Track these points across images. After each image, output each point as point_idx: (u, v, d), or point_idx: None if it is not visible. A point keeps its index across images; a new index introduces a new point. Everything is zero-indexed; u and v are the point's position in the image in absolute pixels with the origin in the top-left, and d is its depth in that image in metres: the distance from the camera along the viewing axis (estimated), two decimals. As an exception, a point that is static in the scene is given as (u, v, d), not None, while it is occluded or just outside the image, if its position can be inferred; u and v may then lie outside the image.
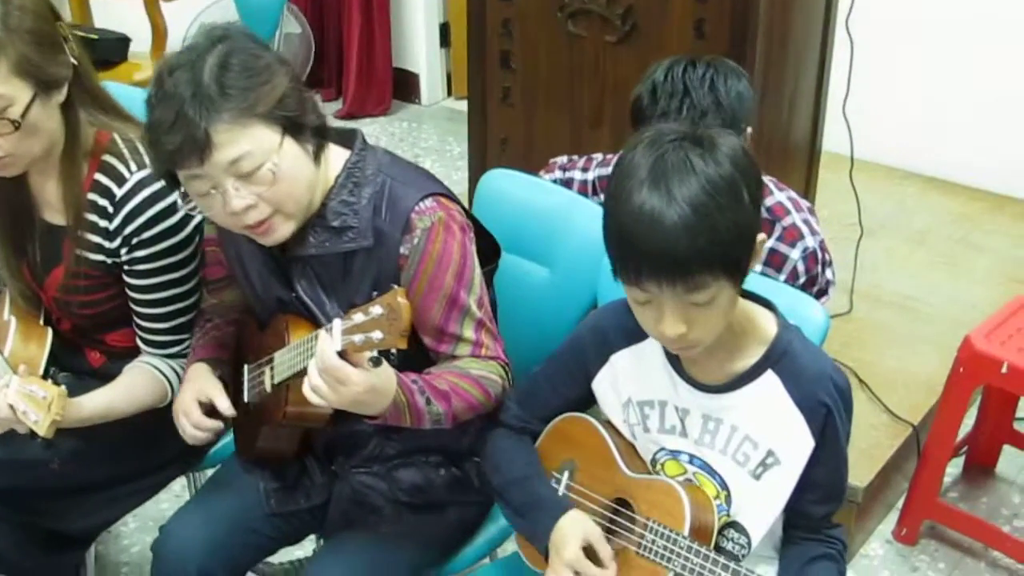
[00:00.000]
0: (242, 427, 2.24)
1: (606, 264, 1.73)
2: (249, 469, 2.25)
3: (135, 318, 2.31)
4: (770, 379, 1.81)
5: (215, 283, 2.28)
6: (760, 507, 1.84)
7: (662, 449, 1.91)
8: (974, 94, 4.39)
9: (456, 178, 4.85)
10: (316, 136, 1.99)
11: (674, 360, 1.86)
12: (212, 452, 2.53)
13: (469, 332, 2.03)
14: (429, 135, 5.56)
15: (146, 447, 2.42)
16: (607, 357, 1.94)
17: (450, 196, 2.07)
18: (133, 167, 2.21)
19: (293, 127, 1.93)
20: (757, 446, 1.82)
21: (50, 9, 2.13)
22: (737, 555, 1.85)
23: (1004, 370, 2.81)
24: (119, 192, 2.20)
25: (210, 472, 2.44)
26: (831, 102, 3.48)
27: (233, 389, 2.17)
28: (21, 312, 2.37)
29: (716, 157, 1.64)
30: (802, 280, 2.57)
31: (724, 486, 1.86)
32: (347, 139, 2.09)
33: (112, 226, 2.21)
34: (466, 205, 2.13)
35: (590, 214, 2.22)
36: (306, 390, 1.82)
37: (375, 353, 1.74)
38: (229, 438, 2.43)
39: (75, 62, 2.15)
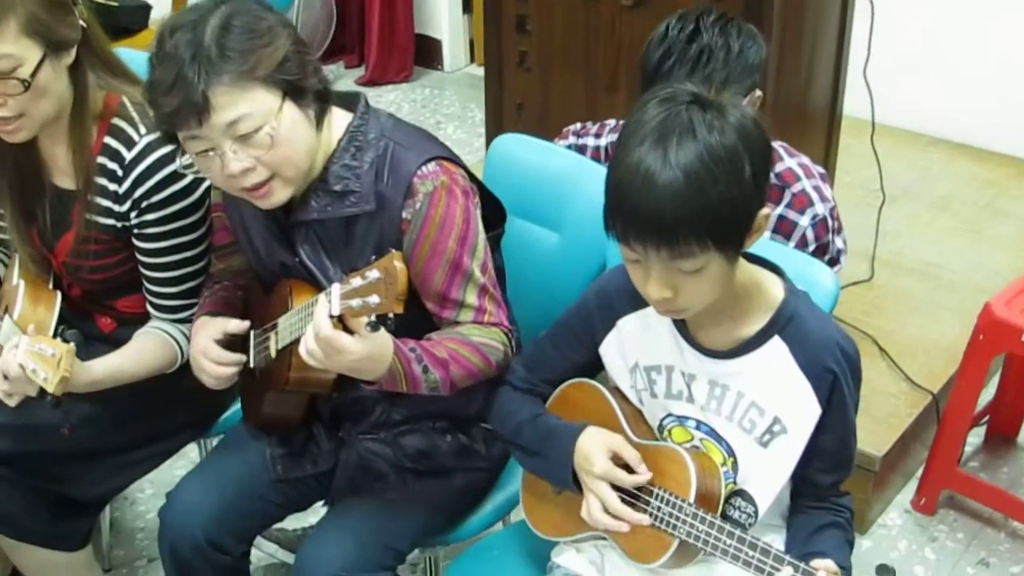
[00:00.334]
0: (249, 393, 2.24)
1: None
2: (256, 435, 2.25)
3: (145, 283, 2.31)
4: (776, 345, 1.78)
5: (222, 249, 2.27)
6: (767, 475, 1.82)
7: (669, 415, 1.89)
8: (1000, 57, 4.31)
9: (478, 144, 4.83)
10: (318, 100, 1.97)
11: (680, 325, 1.84)
12: (222, 419, 2.54)
13: (472, 298, 2.01)
14: (451, 102, 5.53)
15: (156, 413, 2.42)
16: (614, 322, 1.91)
17: (454, 160, 2.04)
18: (143, 130, 2.21)
19: (294, 91, 1.91)
20: (763, 413, 1.79)
21: None
22: (744, 524, 1.82)
23: (1024, 338, 2.78)
24: (128, 155, 2.20)
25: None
26: (852, 66, 3.42)
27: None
28: (30, 277, 2.37)
29: (722, 126, 1.60)
30: (812, 247, 2.53)
31: (731, 453, 1.84)
32: (350, 103, 2.07)
33: (122, 189, 2.21)
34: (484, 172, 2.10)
35: (600, 179, 2.16)
36: (302, 354, 1.81)
37: (373, 318, 1.73)
38: (238, 405, 2.43)
39: (84, 24, 2.14)
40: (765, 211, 1.67)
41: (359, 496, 2.14)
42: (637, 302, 1.86)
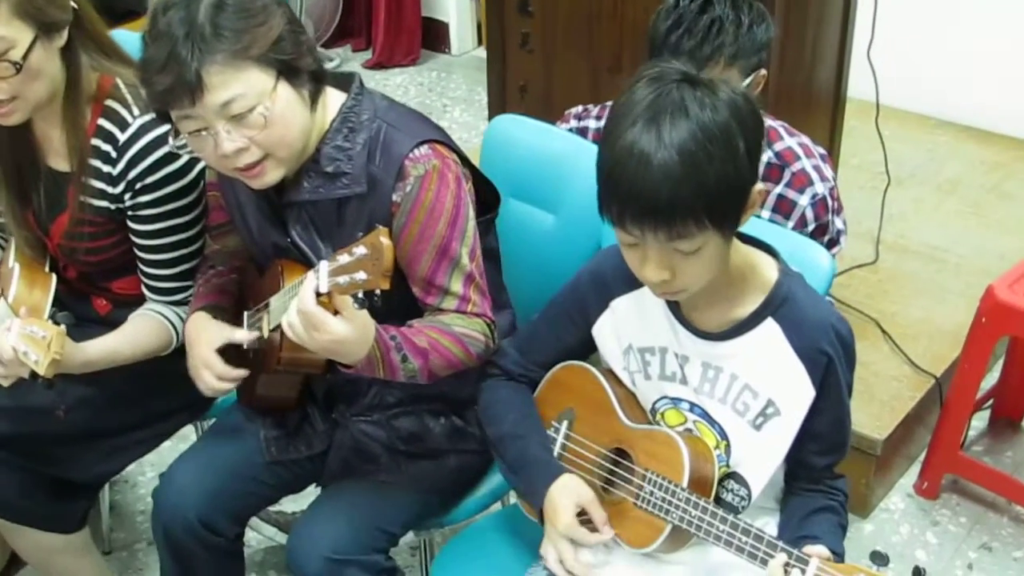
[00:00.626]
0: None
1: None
2: (250, 417, 2.24)
3: (140, 265, 2.30)
4: (770, 327, 1.76)
5: (217, 229, 2.26)
6: (760, 458, 1.81)
7: (663, 397, 1.88)
8: (1008, 39, 4.27)
9: (484, 128, 4.80)
10: (313, 80, 1.95)
11: (674, 306, 1.82)
12: (219, 401, 2.52)
13: (457, 286, 2.00)
14: (458, 85, 5.51)
15: (152, 395, 2.42)
16: (607, 303, 1.90)
17: (447, 144, 2.03)
18: (136, 111, 2.20)
19: (288, 71, 1.90)
20: (757, 395, 1.78)
21: None
22: (737, 507, 1.81)
23: (1027, 321, 2.75)
24: (122, 137, 2.19)
25: (218, 421, 2.43)
26: (856, 47, 3.39)
27: None
28: (26, 259, 2.36)
29: (714, 103, 1.59)
30: (811, 227, 2.52)
31: (724, 436, 1.83)
32: (344, 83, 2.05)
33: (115, 171, 2.20)
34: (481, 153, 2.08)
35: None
36: (284, 326, 1.80)
37: (360, 295, 1.72)
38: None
39: (75, 5, 2.13)
40: (759, 187, 1.66)
41: (352, 478, 2.14)
42: (631, 283, 1.84)
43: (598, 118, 2.66)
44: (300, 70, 1.92)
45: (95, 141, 2.20)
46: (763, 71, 2.42)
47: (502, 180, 2.34)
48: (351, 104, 2.01)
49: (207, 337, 2.09)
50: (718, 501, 1.81)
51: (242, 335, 2.07)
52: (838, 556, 1.75)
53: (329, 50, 5.80)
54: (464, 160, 2.07)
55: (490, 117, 3.70)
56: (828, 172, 2.58)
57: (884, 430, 2.96)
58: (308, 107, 1.95)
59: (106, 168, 2.20)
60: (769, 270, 1.79)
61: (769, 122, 2.61)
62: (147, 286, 2.32)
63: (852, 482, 2.90)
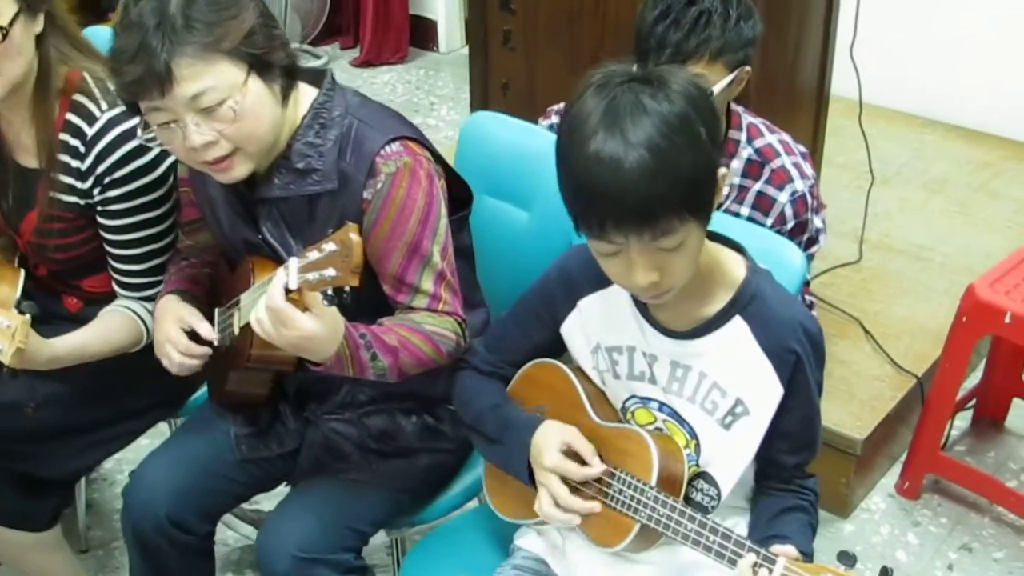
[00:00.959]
0: (214, 371, 2.21)
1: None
2: (222, 414, 2.23)
3: (110, 260, 2.29)
4: (738, 325, 1.75)
5: (189, 224, 2.25)
6: (729, 457, 1.79)
7: (632, 396, 1.86)
8: (996, 38, 4.26)
9: (470, 126, 4.79)
10: (285, 76, 1.94)
11: (641, 305, 1.81)
12: (193, 399, 2.51)
13: (428, 284, 1.98)
14: (446, 83, 5.49)
15: (124, 392, 2.40)
16: (575, 302, 1.88)
17: (419, 141, 2.01)
18: (104, 106, 2.18)
19: (260, 65, 1.88)
20: (725, 394, 1.76)
21: None
22: (707, 506, 1.80)
23: (1008, 320, 2.73)
24: (90, 131, 2.17)
25: (191, 419, 2.41)
26: (841, 46, 3.38)
27: None
28: (-6, 258, 2.35)
29: (668, 95, 1.57)
30: (790, 225, 2.51)
31: (693, 435, 1.81)
32: (317, 79, 2.04)
33: (84, 166, 2.18)
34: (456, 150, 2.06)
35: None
36: (252, 322, 1.79)
37: (330, 291, 1.70)
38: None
39: None
40: (723, 170, 1.65)
41: (322, 476, 2.12)
42: (599, 281, 1.82)
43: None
44: (272, 65, 1.90)
45: (63, 136, 2.18)
46: (747, 68, 2.41)
47: (477, 177, 2.33)
48: (323, 100, 2.00)
49: (175, 315, 2.08)
50: (688, 501, 1.79)
51: (206, 329, 2.05)
52: (807, 556, 1.74)
53: (317, 48, 5.79)
54: (437, 157, 2.05)
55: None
56: (808, 170, 2.57)
57: (864, 430, 2.94)
58: (279, 102, 1.93)
59: (74, 163, 2.19)
60: (737, 268, 1.77)
61: (750, 119, 2.60)
62: (117, 282, 2.30)
63: (832, 482, 2.96)
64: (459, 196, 2.13)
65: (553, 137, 2.38)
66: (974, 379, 3.31)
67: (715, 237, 1.79)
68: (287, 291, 1.74)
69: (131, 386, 2.38)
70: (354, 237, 1.68)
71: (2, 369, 2.05)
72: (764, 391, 1.74)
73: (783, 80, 3.22)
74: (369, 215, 1.95)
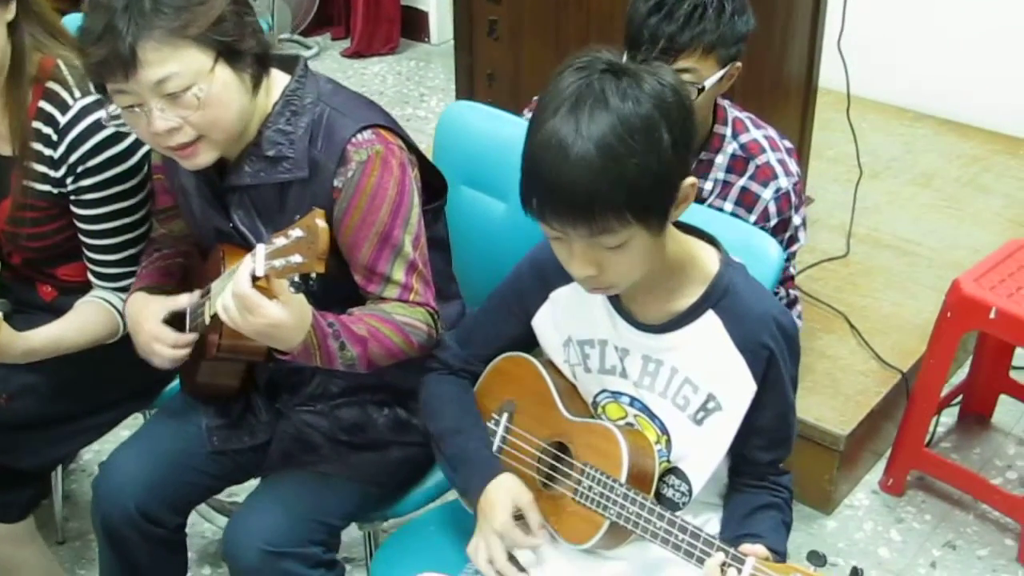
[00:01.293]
0: (186, 362, 2.18)
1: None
2: (193, 406, 2.20)
3: (85, 250, 2.26)
4: (710, 319, 1.72)
5: (164, 212, 2.22)
6: (701, 453, 1.76)
7: (603, 391, 1.84)
8: (989, 31, 4.23)
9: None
10: (256, 64, 1.91)
11: (614, 298, 1.78)
12: (167, 389, 2.48)
13: (399, 274, 1.96)
14: (436, 74, 5.45)
15: (98, 384, 2.37)
16: (547, 294, 1.86)
17: (393, 129, 1.98)
18: (77, 93, 2.16)
19: (229, 52, 1.85)
20: (697, 390, 1.74)
21: None
22: (678, 503, 1.77)
23: (992, 315, 2.71)
24: (63, 120, 2.15)
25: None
26: (829, 37, 3.35)
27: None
28: (-35, 245, 2.32)
29: (636, 94, 1.54)
30: (774, 222, 2.49)
31: (664, 430, 1.79)
32: (290, 66, 2.01)
33: (57, 154, 2.15)
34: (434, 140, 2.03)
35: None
36: (218, 310, 1.77)
37: (296, 278, 1.68)
38: (181, 375, 2.38)
39: None
40: (690, 180, 1.61)
41: (292, 469, 2.10)
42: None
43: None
44: (242, 53, 1.87)
45: (36, 124, 2.16)
46: (738, 63, 2.38)
47: (454, 167, 2.31)
48: (294, 87, 1.97)
49: (150, 312, 2.05)
50: (659, 497, 1.77)
51: (183, 300, 2.03)
52: (780, 555, 1.71)
53: (308, 38, 5.75)
54: (411, 146, 2.03)
55: (458, 105, 3.65)
56: (793, 167, 2.55)
57: (848, 425, 2.92)
58: (249, 91, 1.90)
59: (47, 151, 2.16)
60: (710, 261, 1.75)
61: (736, 113, 2.57)
62: (92, 272, 2.27)
63: (815, 478, 2.94)
64: (434, 186, 2.11)
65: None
66: (961, 375, 3.29)
67: (689, 229, 1.76)
68: (254, 278, 1.72)
69: (106, 377, 2.36)
70: (320, 223, 1.65)
71: None
72: (737, 386, 1.72)
73: (770, 72, 3.19)
74: (340, 204, 1.92)
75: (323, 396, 2.12)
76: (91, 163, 2.16)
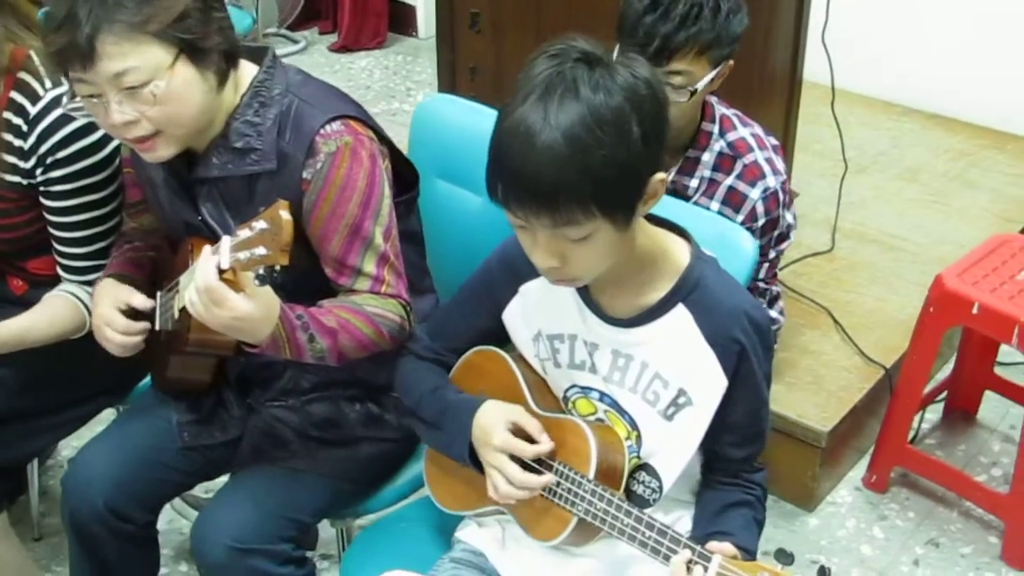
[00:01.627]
0: (157, 357, 2.16)
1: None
2: (164, 402, 2.18)
3: (54, 243, 2.24)
4: (681, 313, 1.70)
5: (134, 206, 2.20)
6: (672, 449, 1.74)
7: (573, 386, 1.81)
8: (976, 25, 4.21)
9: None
10: (224, 60, 1.89)
11: (584, 291, 1.76)
12: (140, 385, 2.46)
13: (370, 266, 1.93)
14: (424, 68, 5.43)
15: (69, 378, 2.35)
16: (517, 287, 1.83)
17: (363, 120, 1.96)
18: (48, 84, 2.14)
19: (191, 49, 1.83)
20: (667, 385, 1.71)
21: None
22: (648, 499, 1.75)
23: (975, 311, 2.69)
24: (33, 110, 2.13)
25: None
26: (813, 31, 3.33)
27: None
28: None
29: (608, 85, 1.51)
30: (761, 222, 2.47)
31: (635, 426, 1.76)
32: (259, 57, 1.99)
33: (27, 145, 2.13)
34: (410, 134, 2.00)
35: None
36: (185, 300, 1.75)
37: (261, 271, 1.66)
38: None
39: None
40: (660, 176, 1.58)
41: (262, 465, 2.07)
42: (541, 267, 1.77)
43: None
44: (206, 50, 1.85)
45: (7, 114, 2.13)
46: (730, 62, 2.36)
47: (430, 161, 2.28)
48: (263, 78, 1.95)
49: (110, 298, 2.04)
50: (629, 493, 1.74)
51: (140, 300, 2.01)
52: (749, 553, 1.69)
53: (295, 32, 5.73)
54: (382, 137, 2.00)
55: (441, 99, 3.62)
56: (780, 164, 2.53)
57: (830, 422, 2.89)
58: (213, 87, 1.88)
59: (17, 142, 2.14)
60: (681, 254, 1.72)
61: (723, 110, 2.55)
62: (61, 265, 2.25)
63: (797, 474, 2.91)
64: (406, 178, 2.08)
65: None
66: (947, 371, 3.27)
67: (660, 222, 1.74)
68: (220, 271, 1.70)
69: (77, 372, 2.33)
70: (284, 215, 1.63)
71: None
72: (707, 382, 1.69)
73: (755, 65, 3.15)
74: (309, 196, 1.90)
75: (295, 391, 2.09)
76: (61, 154, 2.13)
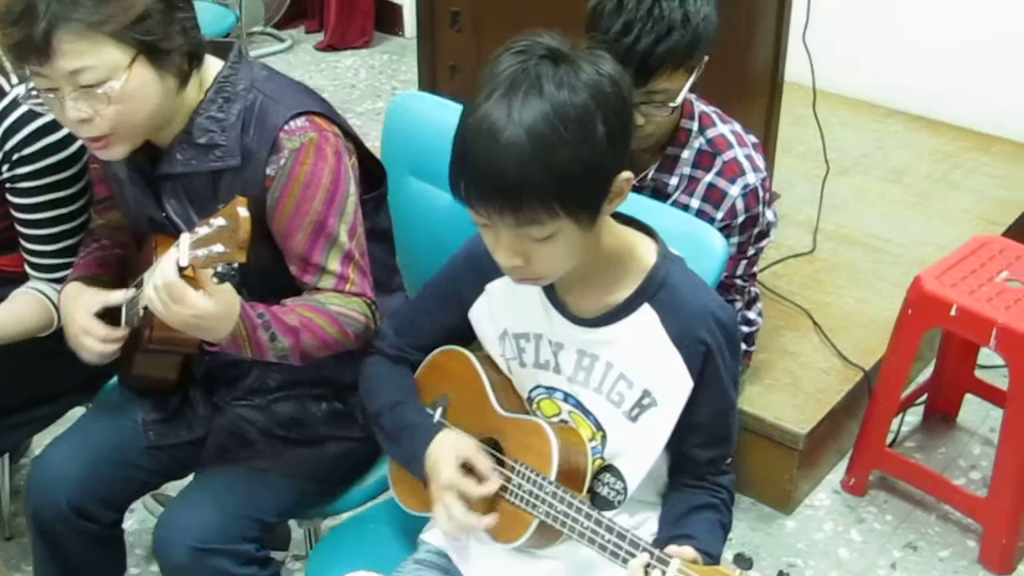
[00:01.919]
0: (122, 355, 2.14)
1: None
2: (130, 400, 2.16)
3: (21, 241, 2.22)
4: (646, 313, 1.68)
5: (102, 202, 2.18)
6: (637, 451, 1.72)
7: (538, 386, 1.79)
8: (961, 26, 4.19)
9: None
10: (187, 60, 1.87)
11: (550, 290, 1.73)
12: (110, 384, 2.43)
13: (335, 264, 1.91)
14: (410, 67, 5.38)
15: (37, 376, 2.33)
16: (483, 286, 1.81)
17: (328, 116, 1.94)
18: (14, 80, 2.12)
19: (150, 51, 1.80)
20: (632, 385, 1.69)
21: None
22: (613, 501, 1.73)
23: (953, 312, 2.67)
24: None
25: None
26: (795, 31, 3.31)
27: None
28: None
29: (573, 83, 1.50)
30: (741, 218, 2.45)
31: (599, 427, 1.74)
32: (224, 52, 1.96)
33: None
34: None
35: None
36: (144, 298, 1.74)
37: (220, 268, 1.64)
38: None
39: None
40: (626, 175, 1.57)
41: (226, 464, 2.05)
42: (507, 265, 1.75)
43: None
44: (166, 51, 1.82)
45: None
46: (705, 58, 2.35)
47: (402, 158, 2.26)
48: (227, 73, 1.93)
49: (83, 303, 2.01)
50: (593, 495, 1.72)
51: (118, 296, 1.99)
52: (712, 557, 1.66)
53: (281, 31, 5.70)
54: (348, 134, 1.98)
55: (422, 98, 3.60)
56: (761, 162, 2.51)
57: (807, 424, 2.87)
58: (172, 89, 1.86)
59: None
60: (647, 253, 1.70)
61: (702, 107, 2.53)
62: (28, 263, 2.24)
63: (775, 477, 2.89)
64: (375, 175, 2.06)
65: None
66: (928, 374, 3.25)
67: (627, 220, 1.72)
68: (180, 268, 1.68)
69: (45, 370, 2.31)
70: (242, 212, 1.61)
71: None
72: (673, 383, 1.67)
73: (735, 65, 3.14)
74: (272, 192, 1.88)
75: (261, 390, 2.07)
76: (27, 151, 2.12)
